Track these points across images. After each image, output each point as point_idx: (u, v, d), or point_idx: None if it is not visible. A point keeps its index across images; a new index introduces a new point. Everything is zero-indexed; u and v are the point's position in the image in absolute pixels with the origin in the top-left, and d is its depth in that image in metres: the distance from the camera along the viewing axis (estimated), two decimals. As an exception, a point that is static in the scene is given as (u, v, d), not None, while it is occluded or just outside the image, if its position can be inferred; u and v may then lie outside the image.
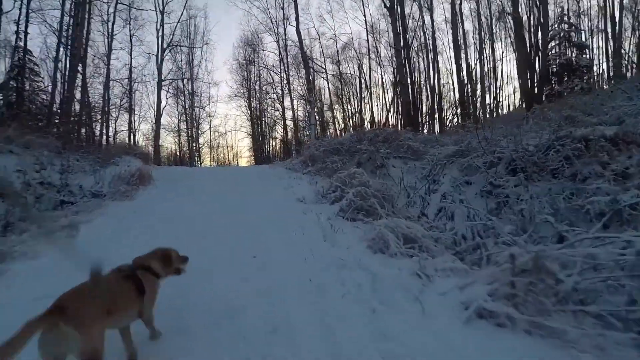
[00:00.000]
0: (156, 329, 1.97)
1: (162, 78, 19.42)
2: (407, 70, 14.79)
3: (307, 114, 25.16)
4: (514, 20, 12.35)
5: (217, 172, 10.67)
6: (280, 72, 24.17)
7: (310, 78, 15.30)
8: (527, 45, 13.16)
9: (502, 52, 21.27)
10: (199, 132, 25.74)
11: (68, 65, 10.60)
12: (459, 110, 19.96)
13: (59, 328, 1.36)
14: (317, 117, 15.03)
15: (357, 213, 4.48)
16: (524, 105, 22.14)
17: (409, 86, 14.25)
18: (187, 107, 24.65)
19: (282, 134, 26.49)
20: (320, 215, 4.54)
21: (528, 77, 12.54)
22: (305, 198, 5.60)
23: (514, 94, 22.66)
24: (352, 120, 24.43)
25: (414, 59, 17.85)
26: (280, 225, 4.23)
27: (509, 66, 22.15)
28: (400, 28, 13.13)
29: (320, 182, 6.71)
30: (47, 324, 1.36)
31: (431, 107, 17.07)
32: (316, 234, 3.84)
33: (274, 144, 29.04)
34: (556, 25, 14.24)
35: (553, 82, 14.94)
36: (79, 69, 11.24)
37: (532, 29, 13.99)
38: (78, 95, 15.82)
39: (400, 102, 16.01)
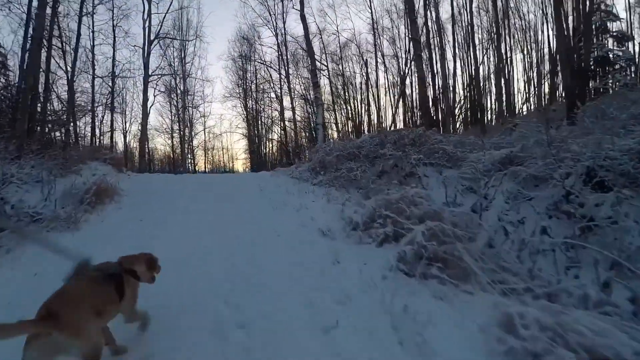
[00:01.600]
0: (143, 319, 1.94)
1: (149, 73, 17.49)
2: (432, 63, 13.04)
3: (307, 113, 23.39)
4: (554, 3, 10.71)
5: (208, 181, 8.79)
6: (279, 70, 22.38)
7: (316, 71, 13.41)
8: (568, 33, 11.55)
9: (509, 52, 20.06)
10: (193, 133, 23.77)
11: (27, 51, 8.69)
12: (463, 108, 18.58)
13: (53, 337, 1.32)
14: (324, 116, 13.14)
15: (429, 265, 2.68)
16: (541, 103, 20.78)
17: (429, 81, 12.51)
18: (179, 106, 22.70)
19: (280, 135, 24.63)
20: (366, 270, 2.74)
21: (562, 70, 10.94)
22: (330, 230, 3.76)
23: (518, 94, 21.51)
24: (354, 121, 22.91)
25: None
26: (305, 296, 2.38)
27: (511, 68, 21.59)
28: (421, 14, 11.40)
29: (348, 202, 4.90)
30: (38, 332, 1.32)
31: (452, 105, 15.38)
32: (378, 325, 2.00)
33: (271, 146, 27.14)
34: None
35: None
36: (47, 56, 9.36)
37: (573, 15, 12.34)
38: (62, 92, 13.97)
39: (418, 99, 14.28)
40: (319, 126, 11.49)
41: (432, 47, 16.07)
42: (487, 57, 20.04)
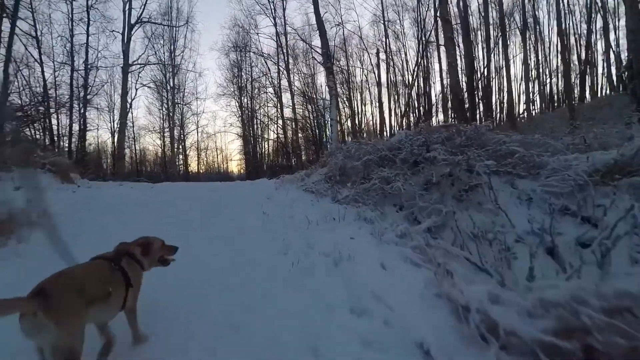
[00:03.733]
0: (141, 331, 1.78)
1: (130, 62, 15.16)
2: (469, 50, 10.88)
3: (308, 111, 21.21)
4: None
5: (190, 196, 6.55)
6: (278, 62, 20.21)
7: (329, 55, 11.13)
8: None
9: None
10: (184, 133, 21.42)
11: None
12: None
13: (37, 317, 1.24)
14: (337, 111, 10.87)
15: None
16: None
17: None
18: (169, 103, 20.37)
19: (278, 135, 22.42)
20: None
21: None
22: (442, 347, 1.59)
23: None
24: (358, 120, 21.05)
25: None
26: None
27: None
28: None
29: (407, 237, 2.71)
30: (26, 310, 1.25)
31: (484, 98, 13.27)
32: None
33: (267, 146, 24.88)
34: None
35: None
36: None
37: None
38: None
39: (449, 88, 12.16)
40: (332, 122, 9.25)
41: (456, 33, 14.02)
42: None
